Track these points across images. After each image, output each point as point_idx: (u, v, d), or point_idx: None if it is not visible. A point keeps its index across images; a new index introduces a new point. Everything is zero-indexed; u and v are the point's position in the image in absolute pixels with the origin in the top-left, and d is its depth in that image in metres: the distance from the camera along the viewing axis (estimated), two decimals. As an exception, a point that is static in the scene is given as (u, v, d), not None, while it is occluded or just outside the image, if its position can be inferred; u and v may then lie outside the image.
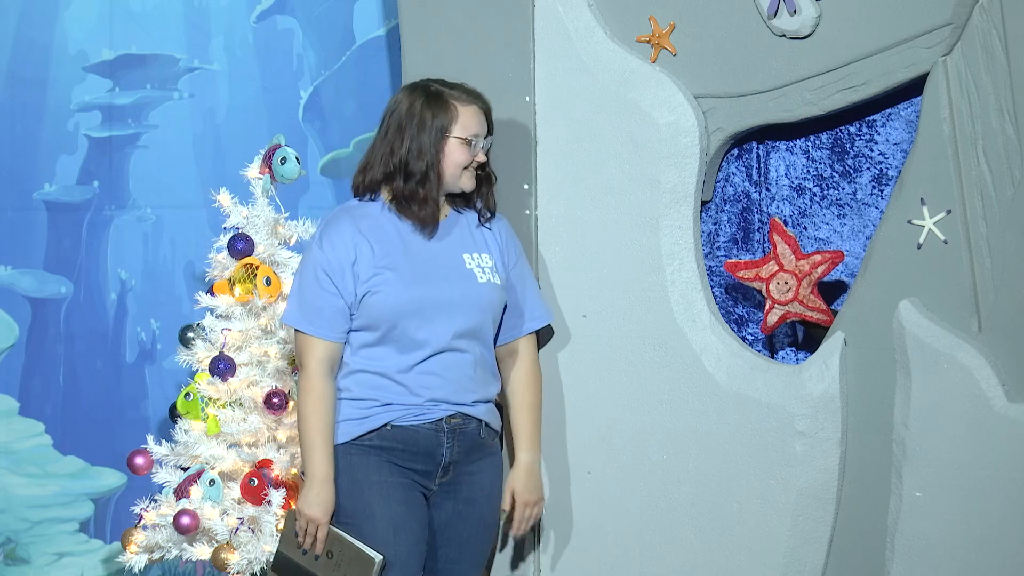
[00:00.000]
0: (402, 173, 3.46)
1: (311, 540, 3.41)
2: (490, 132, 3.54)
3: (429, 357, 3.45)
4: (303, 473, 3.48)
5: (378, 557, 3.38)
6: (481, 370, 3.52)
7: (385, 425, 3.44)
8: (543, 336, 3.90)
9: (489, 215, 3.61)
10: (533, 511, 3.62)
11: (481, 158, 3.52)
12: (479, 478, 3.56)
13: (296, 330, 3.48)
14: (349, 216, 3.48)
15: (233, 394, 4.02)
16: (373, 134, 3.57)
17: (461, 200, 3.59)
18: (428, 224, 3.48)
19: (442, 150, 3.46)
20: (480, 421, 3.52)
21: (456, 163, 3.48)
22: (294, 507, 3.45)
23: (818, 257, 3.64)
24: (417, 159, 3.44)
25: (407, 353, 3.44)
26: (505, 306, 3.60)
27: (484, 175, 3.57)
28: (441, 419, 3.46)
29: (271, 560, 3.52)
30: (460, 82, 3.57)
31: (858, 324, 3.57)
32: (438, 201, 3.49)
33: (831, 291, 3.79)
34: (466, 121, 3.48)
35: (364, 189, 3.52)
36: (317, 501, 3.40)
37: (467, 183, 3.51)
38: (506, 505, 3.60)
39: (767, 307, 3.70)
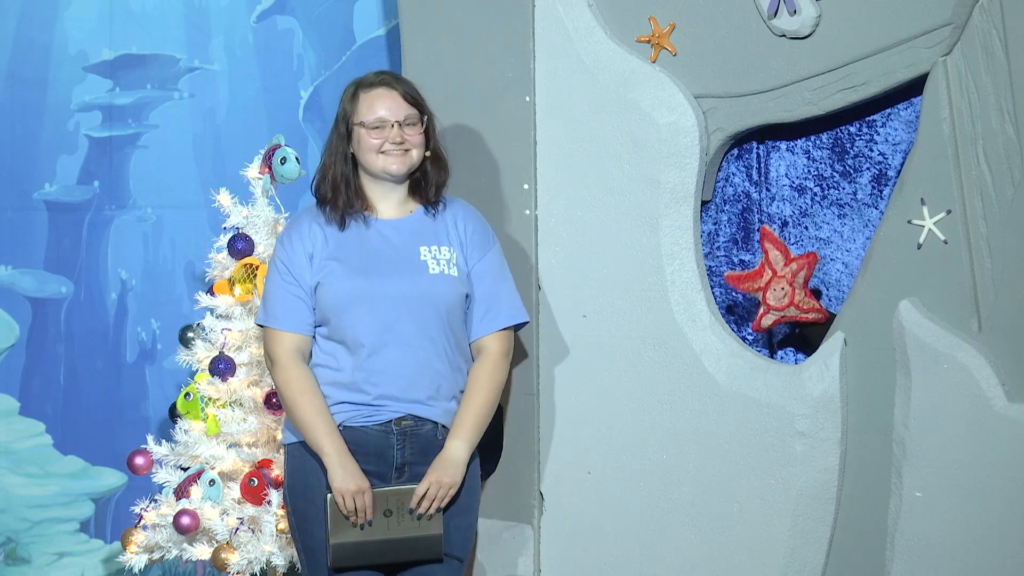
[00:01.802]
0: (320, 173, 3.51)
1: (364, 512, 3.37)
2: (419, 110, 3.48)
3: (378, 352, 3.41)
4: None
5: None
6: (437, 365, 3.45)
7: (337, 426, 3.41)
8: (545, 335, 3.90)
9: (434, 192, 3.53)
10: (438, 492, 3.40)
11: (395, 137, 3.45)
12: None
13: (265, 327, 3.48)
14: (310, 213, 3.52)
15: (233, 394, 4.02)
16: None
17: (426, 197, 3.54)
18: (331, 220, 3.46)
19: (354, 141, 3.46)
20: (435, 424, 3.45)
21: (366, 149, 3.46)
22: (328, 496, 3.37)
23: (795, 265, 3.66)
24: (327, 155, 3.50)
25: (356, 347, 3.41)
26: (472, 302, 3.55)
27: (431, 156, 3.51)
28: (390, 421, 3.42)
29: (330, 558, 3.38)
30: (389, 70, 3.58)
31: (858, 324, 3.57)
32: (336, 199, 3.46)
33: (825, 289, 3.80)
34: (367, 106, 3.45)
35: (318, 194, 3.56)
36: (348, 474, 3.36)
37: (388, 165, 3.46)
38: (420, 490, 3.42)
39: (762, 311, 3.70)
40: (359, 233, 3.47)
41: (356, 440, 3.41)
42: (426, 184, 3.52)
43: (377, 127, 3.45)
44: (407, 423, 3.44)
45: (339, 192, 3.47)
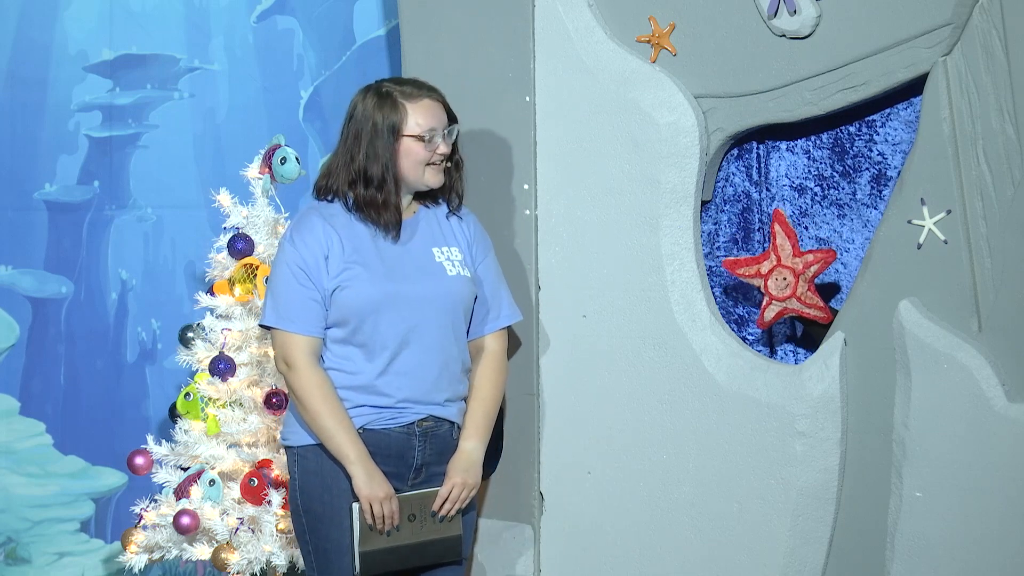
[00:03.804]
0: (362, 179, 3.42)
1: (391, 519, 3.37)
2: (452, 121, 3.48)
3: (399, 355, 3.40)
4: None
5: None
6: (453, 367, 3.47)
7: (358, 429, 3.40)
8: (545, 335, 3.90)
9: (458, 201, 3.55)
10: (462, 493, 3.45)
11: (443, 150, 3.45)
12: None
13: (276, 330, 3.43)
14: (318, 214, 3.45)
15: (233, 394, 4.02)
16: None
17: (429, 196, 3.53)
18: (390, 229, 3.44)
19: (398, 152, 3.41)
20: (452, 423, 3.48)
21: (415, 162, 3.43)
22: (355, 506, 3.36)
23: (810, 257, 3.65)
24: (374, 164, 3.41)
25: (378, 353, 3.40)
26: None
27: (452, 163, 3.51)
28: (413, 423, 3.42)
29: (359, 566, 3.37)
30: (412, 77, 3.54)
31: (858, 324, 3.57)
32: (398, 205, 3.45)
33: (830, 290, 3.79)
34: (417, 118, 3.42)
35: (327, 192, 3.48)
36: (375, 482, 3.35)
37: (432, 179, 3.46)
38: (444, 492, 3.46)
39: (764, 303, 3.70)
40: (372, 235, 3.45)
41: (378, 443, 3.41)
42: (449, 191, 3.52)
43: (429, 140, 3.43)
44: (428, 424, 3.45)
45: (391, 200, 3.42)
